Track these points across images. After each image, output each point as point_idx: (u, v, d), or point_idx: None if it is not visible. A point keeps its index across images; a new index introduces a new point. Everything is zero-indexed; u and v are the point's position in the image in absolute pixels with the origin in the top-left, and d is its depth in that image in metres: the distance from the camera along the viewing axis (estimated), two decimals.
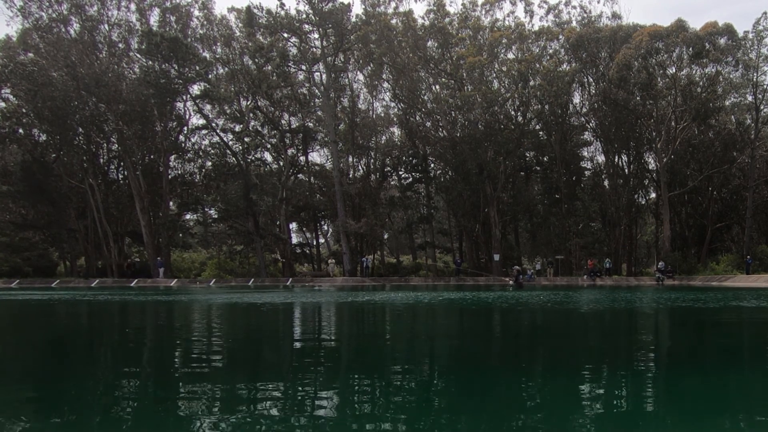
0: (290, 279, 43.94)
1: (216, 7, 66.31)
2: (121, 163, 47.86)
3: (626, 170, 49.07)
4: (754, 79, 43.04)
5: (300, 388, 5.15)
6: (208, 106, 48.02)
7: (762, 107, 44.26)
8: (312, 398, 4.79)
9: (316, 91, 49.07)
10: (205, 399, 4.73)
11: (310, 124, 50.81)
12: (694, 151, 47.47)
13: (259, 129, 48.16)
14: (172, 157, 48.76)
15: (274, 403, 4.57)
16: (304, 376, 5.71)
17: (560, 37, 45.83)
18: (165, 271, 43.54)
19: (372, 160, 52.06)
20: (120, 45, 45.40)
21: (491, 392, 5.10)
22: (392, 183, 55.15)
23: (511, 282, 34.55)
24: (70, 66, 40.65)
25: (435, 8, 45.74)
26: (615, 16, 49.25)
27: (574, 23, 49.09)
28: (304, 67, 48.90)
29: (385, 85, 49.18)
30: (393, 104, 50.88)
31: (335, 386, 5.31)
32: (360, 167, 52.46)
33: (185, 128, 49.03)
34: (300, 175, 52.68)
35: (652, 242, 56.28)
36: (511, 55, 46.05)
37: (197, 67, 44.42)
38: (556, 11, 49.63)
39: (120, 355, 7.66)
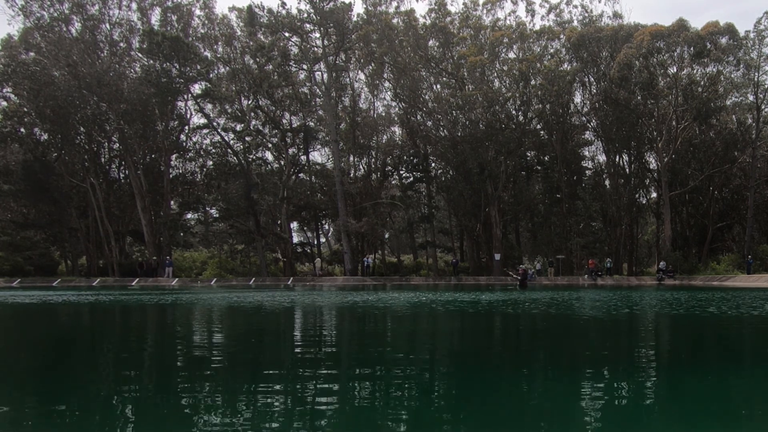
0: (291, 278, 43.99)
1: (217, 7, 66.39)
2: (123, 163, 47.91)
3: (627, 170, 49.07)
4: (756, 79, 43.02)
5: (303, 389, 5.18)
6: (210, 106, 48.06)
7: (763, 107, 44.25)
8: (314, 399, 4.82)
9: (317, 90, 49.08)
10: (209, 401, 4.77)
11: (311, 124, 50.82)
12: (695, 150, 47.47)
13: (261, 128, 48.21)
14: (174, 157, 48.79)
15: (277, 404, 4.61)
16: (307, 377, 5.74)
17: (561, 36, 45.84)
18: (168, 271, 43.59)
19: (373, 160, 52.09)
20: (121, 44, 45.44)
21: (491, 394, 5.13)
22: (393, 182, 55.16)
23: (514, 275, 34.54)
24: (72, 65, 40.67)
25: (436, 7, 45.77)
26: (616, 15, 49.33)
27: (575, 23, 49.12)
28: (305, 67, 48.92)
29: (387, 84, 49.19)
30: (394, 103, 50.92)
31: (336, 386, 5.34)
32: (361, 166, 52.52)
33: (186, 127, 49.10)
34: (301, 175, 52.70)
35: (653, 242, 56.28)
36: (512, 55, 46.07)
37: (198, 67, 44.45)
38: (558, 11, 49.68)
39: (126, 356, 7.69)
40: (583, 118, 49.36)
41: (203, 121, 49.10)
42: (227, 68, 46.94)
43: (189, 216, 53.36)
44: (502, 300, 18.46)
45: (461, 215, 49.74)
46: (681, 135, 43.40)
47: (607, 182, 50.47)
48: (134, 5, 45.09)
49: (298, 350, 7.95)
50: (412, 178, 52.76)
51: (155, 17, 46.24)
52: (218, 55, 47.72)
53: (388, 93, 50.49)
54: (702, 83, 42.48)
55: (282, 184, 47.89)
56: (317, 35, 47.99)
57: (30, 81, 40.32)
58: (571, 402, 4.85)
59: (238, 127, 47.15)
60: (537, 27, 47.59)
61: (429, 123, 48.71)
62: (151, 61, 43.73)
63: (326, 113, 48.22)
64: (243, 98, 47.43)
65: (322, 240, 62.11)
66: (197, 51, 45.28)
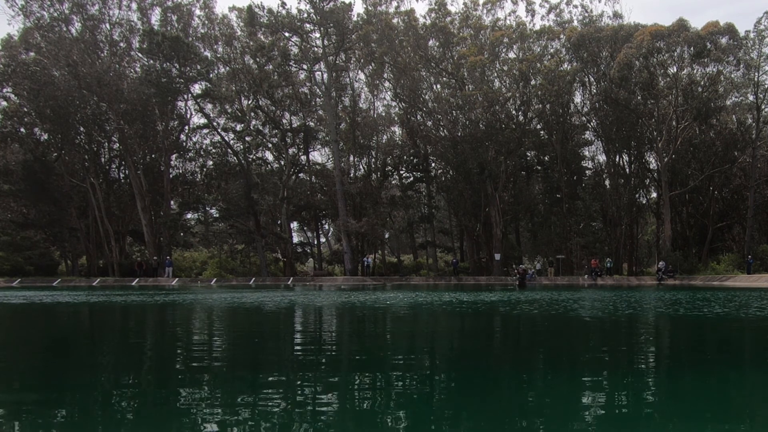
0: (291, 278, 44.00)
1: (217, 6, 66.47)
2: (123, 162, 47.93)
3: (627, 170, 49.06)
4: (756, 79, 42.99)
5: (303, 389, 5.18)
6: (210, 106, 48.10)
7: (763, 107, 44.22)
8: (315, 400, 4.82)
9: (318, 90, 49.10)
10: (209, 402, 4.76)
11: (311, 124, 50.85)
12: (695, 150, 47.45)
13: (261, 128, 48.23)
14: (174, 157, 48.83)
15: (278, 405, 4.60)
16: (307, 377, 5.74)
17: (561, 36, 45.80)
18: (168, 271, 43.60)
19: (373, 160, 52.10)
20: (121, 44, 45.48)
21: (491, 395, 5.13)
22: (393, 182, 55.18)
23: (515, 277, 34.57)
24: (72, 65, 40.69)
25: (436, 7, 45.76)
26: (616, 15, 49.29)
27: (575, 23, 49.09)
28: (305, 67, 48.92)
29: (387, 84, 49.18)
30: (394, 103, 50.93)
31: (336, 387, 5.34)
32: (361, 166, 52.53)
33: (186, 127, 49.16)
34: (301, 175, 52.73)
35: (653, 242, 56.26)
36: (512, 55, 46.05)
37: (198, 67, 44.48)
38: (558, 11, 49.63)
39: (124, 358, 7.69)
40: (583, 118, 49.34)
41: (203, 121, 49.18)
42: (227, 68, 46.94)
43: (189, 216, 53.41)
44: (503, 300, 18.46)
45: (461, 215, 49.74)
46: (681, 135, 43.38)
47: (607, 182, 50.45)
48: (134, 5, 45.13)
49: (298, 350, 7.95)
50: (412, 178, 52.78)
51: (155, 17, 46.31)
52: (218, 55, 47.72)
53: (388, 93, 50.53)
54: (702, 83, 42.44)
55: (282, 184, 47.90)
56: (317, 35, 48.00)
57: (30, 81, 40.33)
58: (572, 402, 4.85)
59: (238, 127, 47.16)
60: (537, 27, 47.59)
61: (429, 123, 48.71)
62: (151, 61, 43.77)
63: (326, 113, 48.23)
64: (243, 98, 47.44)
65: (322, 240, 62.14)
66: (197, 51, 45.30)
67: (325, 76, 48.01)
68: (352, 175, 50.67)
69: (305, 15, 46.80)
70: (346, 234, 46.55)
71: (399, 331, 10.86)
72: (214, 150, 49.68)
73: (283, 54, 46.07)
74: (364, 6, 46.95)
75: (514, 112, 47.50)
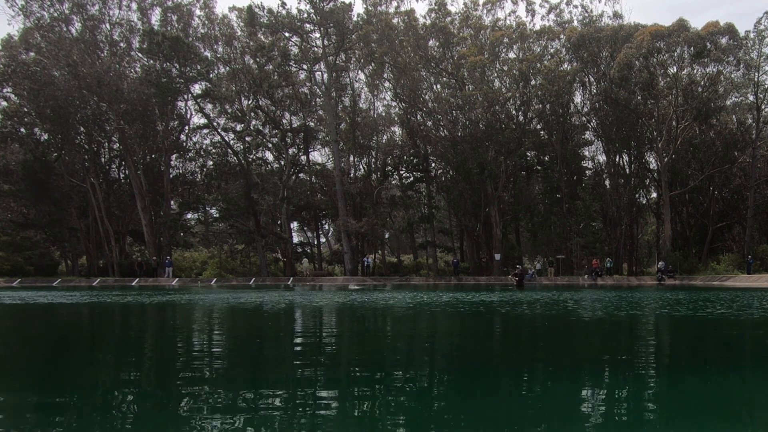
0: (291, 278, 44.00)
1: (217, 7, 66.46)
2: (123, 163, 47.92)
3: (627, 170, 49.04)
4: (756, 79, 42.98)
5: (303, 390, 5.17)
6: (210, 106, 48.08)
7: (763, 107, 44.21)
8: (315, 401, 4.82)
9: (318, 90, 49.08)
10: (209, 404, 4.76)
11: (312, 124, 50.82)
12: (695, 150, 47.44)
13: (261, 128, 48.21)
14: (174, 157, 48.81)
15: (278, 405, 4.60)
16: (307, 378, 5.74)
17: (561, 36, 45.79)
18: (168, 271, 43.58)
19: (373, 160, 52.08)
20: (121, 44, 45.48)
21: (491, 396, 5.13)
22: (393, 182, 55.14)
23: (511, 278, 34.55)
24: (72, 65, 40.68)
25: (436, 7, 45.75)
26: (616, 15, 49.26)
27: (575, 23, 49.07)
28: (305, 67, 48.90)
29: (387, 84, 49.15)
30: (394, 103, 50.88)
31: (337, 388, 5.34)
32: (361, 166, 52.51)
33: (186, 127, 49.14)
34: (301, 175, 52.70)
35: (653, 242, 56.24)
36: (512, 55, 46.04)
37: (198, 67, 44.48)
38: (558, 11, 49.60)
39: (125, 359, 7.69)
40: (583, 118, 49.32)
41: (203, 121, 49.16)
42: (227, 68, 46.92)
43: (189, 216, 53.35)
44: (503, 301, 18.46)
45: (461, 215, 49.73)
46: (681, 135, 43.37)
47: (607, 182, 50.43)
48: (134, 5, 45.13)
49: (298, 351, 7.95)
50: (412, 178, 52.75)
51: (155, 17, 46.30)
52: (218, 55, 47.69)
53: (388, 93, 50.50)
54: (702, 83, 42.44)
55: (282, 184, 47.89)
56: (317, 35, 47.98)
57: (30, 81, 40.32)
58: (573, 404, 4.85)
59: (238, 127, 47.15)
60: (537, 27, 47.55)
61: (429, 123, 48.69)
62: (151, 61, 43.77)
63: (326, 113, 48.21)
64: (243, 98, 47.42)
65: (322, 240, 62.12)
66: (197, 51, 45.29)
67: (325, 76, 48.00)
68: (352, 175, 50.65)
69: (305, 15, 46.80)
70: (346, 234, 46.54)
71: (399, 331, 10.85)
72: (214, 150, 49.68)
73: (283, 54, 46.05)
74: (364, 6, 46.94)
75: (514, 112, 47.49)
